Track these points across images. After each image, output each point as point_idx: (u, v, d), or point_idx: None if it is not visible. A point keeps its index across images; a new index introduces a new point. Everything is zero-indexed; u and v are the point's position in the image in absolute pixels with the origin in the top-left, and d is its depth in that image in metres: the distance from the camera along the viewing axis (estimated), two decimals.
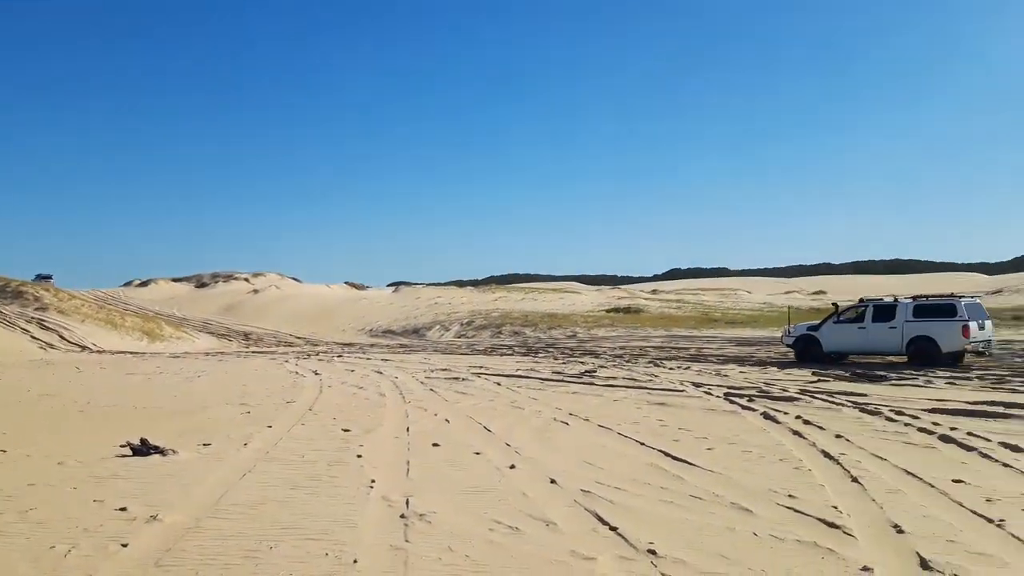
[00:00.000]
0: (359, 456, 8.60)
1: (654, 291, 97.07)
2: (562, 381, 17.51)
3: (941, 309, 20.30)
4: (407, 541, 5.43)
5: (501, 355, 29.40)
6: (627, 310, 62.51)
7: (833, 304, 26.21)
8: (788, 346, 23.46)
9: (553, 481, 7.25)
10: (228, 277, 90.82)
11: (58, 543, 5.42)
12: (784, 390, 14.60)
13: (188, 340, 45.72)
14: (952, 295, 21.28)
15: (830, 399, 13.08)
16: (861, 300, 23.05)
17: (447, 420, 11.44)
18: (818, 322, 23.16)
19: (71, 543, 5.41)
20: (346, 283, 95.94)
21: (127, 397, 15.31)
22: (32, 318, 43.92)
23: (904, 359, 20.72)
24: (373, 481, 7.30)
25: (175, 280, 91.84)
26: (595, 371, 20.07)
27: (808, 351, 22.39)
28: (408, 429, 10.58)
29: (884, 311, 21.14)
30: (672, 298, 79.22)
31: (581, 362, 23.83)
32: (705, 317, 57.56)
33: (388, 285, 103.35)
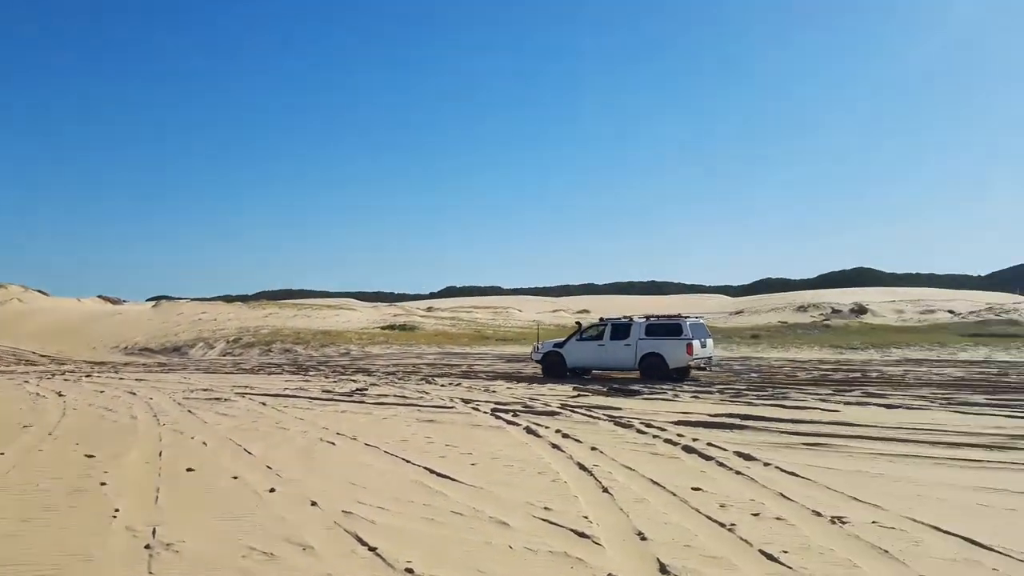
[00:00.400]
0: (103, 484, 7.98)
1: (429, 308, 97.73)
2: (332, 400, 17.19)
3: (669, 328, 22.19)
4: (150, 573, 5.11)
5: (269, 374, 28.40)
6: (402, 327, 62.50)
7: (576, 323, 28.06)
8: (536, 362, 24.89)
9: (314, 503, 7.09)
10: None
11: None
12: (547, 405, 15.15)
13: None
14: (679, 315, 23.24)
15: (588, 413, 13.73)
16: (601, 319, 24.68)
17: (204, 443, 10.88)
18: (563, 339, 24.67)
19: None
20: (100, 296, 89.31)
21: None
22: None
23: (637, 374, 22.38)
24: (117, 510, 6.80)
25: None
26: (366, 389, 19.88)
27: (554, 367, 23.92)
28: (161, 453, 9.95)
29: (620, 330, 22.84)
30: (447, 316, 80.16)
31: (353, 380, 23.52)
32: (478, 334, 58.70)
33: (148, 300, 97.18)
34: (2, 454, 9.90)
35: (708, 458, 9.30)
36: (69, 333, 60.95)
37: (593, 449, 9.95)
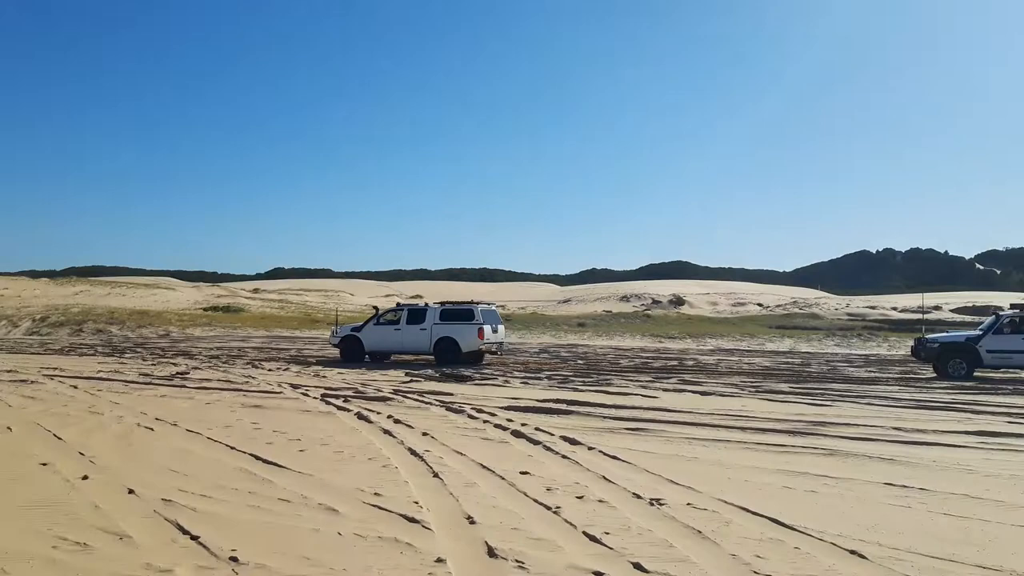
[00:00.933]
0: None
1: (256, 290, 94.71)
2: (150, 384, 16.41)
3: (462, 314, 23.02)
4: None
5: (81, 355, 26.71)
6: (227, 309, 60.32)
7: (373, 307, 29.49)
8: (334, 346, 25.08)
9: (131, 491, 6.78)
10: None
11: None
12: (379, 390, 15.09)
13: None
14: (471, 302, 23.85)
15: (420, 398, 13.78)
16: (398, 304, 25.82)
17: (9, 428, 10.16)
18: (361, 324, 25.07)
19: None
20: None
21: None
22: None
23: (432, 358, 23.33)
24: None
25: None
26: (188, 373, 19.10)
27: (351, 350, 24.23)
28: None
29: (417, 315, 23.64)
30: (275, 298, 78.03)
31: (173, 363, 22.52)
32: (308, 318, 57.50)
33: None
34: None
35: (536, 442, 9.56)
36: None
37: (424, 434, 10.01)
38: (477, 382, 17.16)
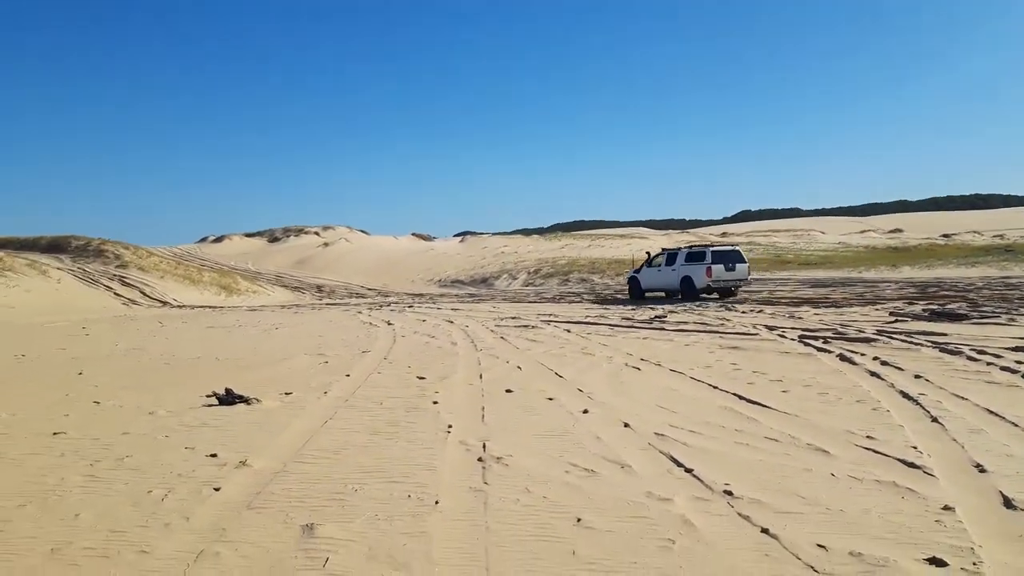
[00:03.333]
0: (435, 403, 8.79)
1: (724, 234, 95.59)
2: (632, 327, 17.50)
3: (697, 256, 26.55)
4: (486, 483, 5.58)
5: (569, 303, 29.45)
6: None
7: (646, 252, 34.46)
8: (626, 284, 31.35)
9: (627, 425, 7.32)
10: (299, 231, 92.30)
11: (155, 488, 5.70)
12: (861, 331, 14.36)
13: (264, 294, 46.81)
14: (710, 245, 27.36)
15: (908, 339, 12.83)
16: (663, 250, 29.72)
17: (519, 367, 11.57)
18: (639, 267, 30.18)
19: (167, 488, 5.69)
20: (413, 234, 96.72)
21: (209, 349, 15.83)
22: (114, 275, 45.46)
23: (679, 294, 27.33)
24: (450, 426, 7.48)
25: (247, 236, 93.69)
26: (665, 316, 20.00)
27: (635, 289, 29.70)
28: (481, 376, 10.74)
29: (671, 258, 27.96)
30: (743, 240, 77.94)
31: (651, 307, 23.75)
32: (777, 259, 56.60)
33: (455, 235, 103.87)
34: (348, 376, 11.20)
35: None
36: (390, 268, 66.88)
37: (917, 377, 9.31)
38: (975, 321, 15.43)
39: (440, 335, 17.03)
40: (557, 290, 41.15)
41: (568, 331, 16.95)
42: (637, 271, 29.69)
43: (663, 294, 28.54)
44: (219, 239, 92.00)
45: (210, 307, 37.06)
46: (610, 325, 18.10)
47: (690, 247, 27.27)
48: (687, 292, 26.58)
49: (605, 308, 24.57)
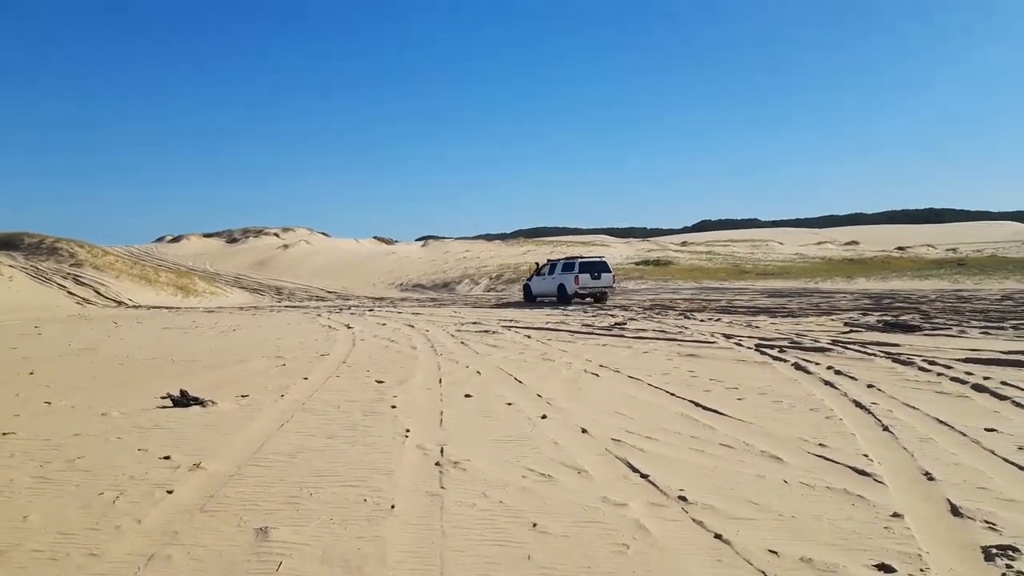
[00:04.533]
0: (393, 407, 8.75)
1: (684, 243, 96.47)
2: (592, 334, 17.59)
3: (568, 267, 30.99)
4: (443, 488, 5.57)
5: (531, 308, 29.53)
6: (656, 263, 62.29)
7: (535, 263, 41.21)
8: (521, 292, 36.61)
9: (584, 431, 7.36)
10: (258, 232, 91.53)
11: (106, 490, 5.61)
12: (816, 340, 14.57)
13: (221, 295, 46.32)
14: (578, 257, 32.51)
15: (862, 350, 13.04)
16: (548, 261, 34.19)
17: (478, 372, 11.57)
18: (531, 275, 34.85)
19: (119, 490, 5.60)
20: (375, 238, 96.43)
21: (165, 350, 15.62)
22: (68, 274, 44.66)
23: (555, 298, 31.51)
24: (408, 430, 7.45)
25: (206, 236, 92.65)
26: (625, 323, 20.13)
27: (527, 294, 34.25)
28: (440, 380, 10.73)
29: (552, 268, 32.35)
30: (702, 250, 78.75)
31: (611, 315, 23.88)
32: (736, 269, 57.24)
33: (417, 240, 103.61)
34: (306, 379, 11.12)
35: (1002, 398, 8.56)
36: (351, 271, 66.53)
37: (869, 387, 9.47)
38: (927, 332, 15.74)
39: (400, 339, 16.97)
40: (518, 296, 41.22)
41: (528, 337, 16.99)
42: (530, 279, 34.59)
43: (554, 298, 31.89)
44: (176, 239, 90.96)
45: (167, 308, 36.58)
46: (570, 331, 18.17)
47: (566, 259, 32.03)
48: (561, 297, 31.12)
49: (565, 314, 24.63)
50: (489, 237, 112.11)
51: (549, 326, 19.93)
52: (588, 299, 31.14)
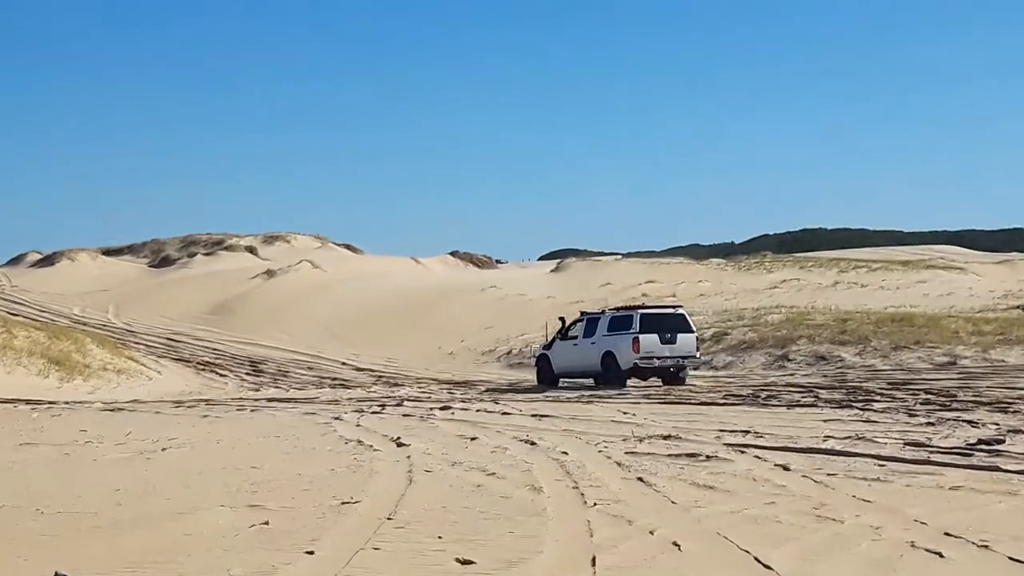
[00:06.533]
0: None
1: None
2: (928, 462, 17.17)
3: (619, 322, 36.16)
4: None
5: (790, 406, 29.08)
6: None
7: (560, 319, 42.79)
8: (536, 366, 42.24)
9: None
10: (215, 245, 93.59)
11: None
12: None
13: (139, 374, 47.45)
14: (641, 306, 37.93)
15: None
16: (582, 314, 40.35)
17: (676, 544, 11.40)
18: (552, 338, 40.68)
19: None
20: (454, 254, 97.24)
21: (23, 491, 15.98)
22: None
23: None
24: None
25: (107, 253, 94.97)
26: (1002, 441, 19.68)
27: (542, 372, 40.38)
28: (594, 562, 10.61)
29: (588, 326, 37.89)
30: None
31: (968, 420, 23.36)
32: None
33: (540, 258, 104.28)
34: (311, 554, 11.19)
35: None
36: (403, 320, 67.45)
37: None
38: None
39: (505, 471, 16.99)
40: (761, 378, 40.70)
41: (787, 469, 16.69)
42: (548, 346, 40.66)
43: (594, 377, 37.56)
44: (49, 259, 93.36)
45: (26, 402, 37.48)
46: (877, 458, 17.78)
47: (615, 311, 37.99)
48: (607, 373, 36.32)
49: (865, 420, 24.24)
50: (689, 249, 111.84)
51: (828, 445, 19.59)
52: (653, 376, 35.82)
